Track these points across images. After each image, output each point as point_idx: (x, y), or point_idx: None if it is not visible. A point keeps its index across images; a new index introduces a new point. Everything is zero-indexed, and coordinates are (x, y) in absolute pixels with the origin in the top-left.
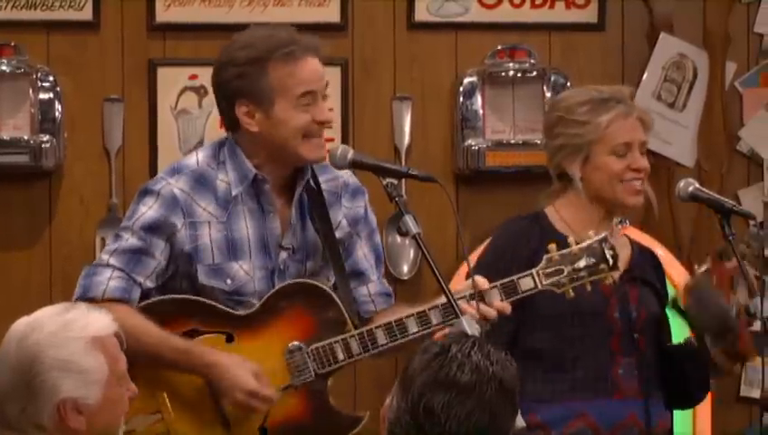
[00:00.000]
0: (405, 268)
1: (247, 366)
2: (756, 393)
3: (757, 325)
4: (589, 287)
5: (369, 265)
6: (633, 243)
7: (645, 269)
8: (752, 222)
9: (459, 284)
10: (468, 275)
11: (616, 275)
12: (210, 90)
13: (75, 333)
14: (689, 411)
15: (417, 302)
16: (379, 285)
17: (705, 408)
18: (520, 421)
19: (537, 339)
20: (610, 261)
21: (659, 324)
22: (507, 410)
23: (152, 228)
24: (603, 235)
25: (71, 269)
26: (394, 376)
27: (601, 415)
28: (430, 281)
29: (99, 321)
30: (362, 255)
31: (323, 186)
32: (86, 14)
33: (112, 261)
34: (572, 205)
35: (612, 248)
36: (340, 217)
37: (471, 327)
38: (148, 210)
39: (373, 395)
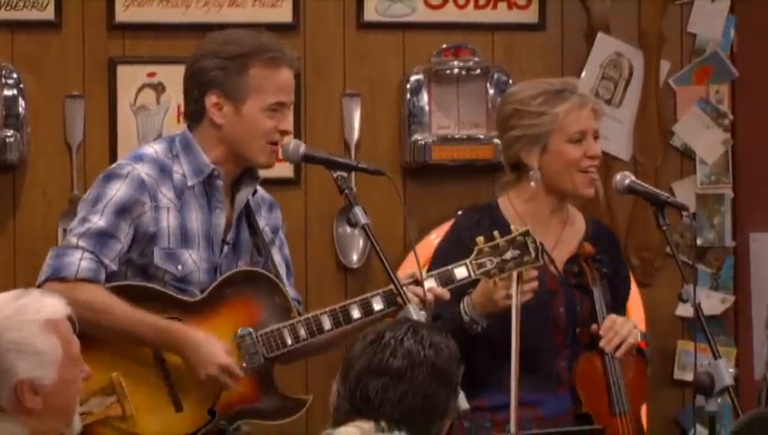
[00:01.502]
0: (354, 257)
1: (219, 343)
2: (689, 377)
3: (690, 311)
4: (514, 276)
5: (282, 272)
6: (588, 221)
7: (599, 251)
8: (685, 213)
9: (409, 268)
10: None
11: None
12: (168, 87)
13: (30, 317)
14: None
15: (367, 290)
16: (292, 292)
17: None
18: (464, 404)
19: (487, 328)
20: (533, 253)
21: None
22: (442, 391)
23: (122, 210)
24: (526, 228)
25: (33, 259)
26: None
27: (544, 406)
28: (379, 270)
29: (52, 305)
30: (277, 262)
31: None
32: (48, 14)
33: (82, 243)
34: (526, 195)
35: (535, 241)
36: (263, 224)
37: (417, 314)
38: (117, 192)
39: (323, 381)
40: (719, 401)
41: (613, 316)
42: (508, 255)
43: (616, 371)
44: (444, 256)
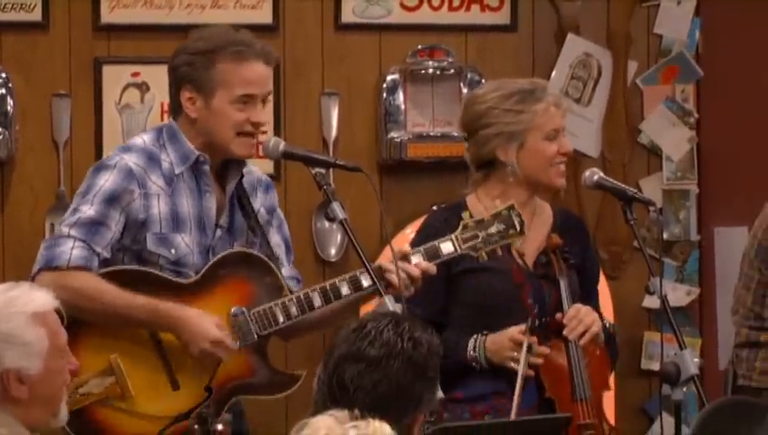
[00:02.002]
0: (332, 251)
1: (210, 318)
2: (656, 366)
3: (656, 302)
4: (499, 252)
5: (281, 252)
6: (556, 211)
7: (569, 243)
8: (651, 208)
9: (384, 257)
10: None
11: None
12: (152, 86)
13: (18, 309)
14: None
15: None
16: (291, 271)
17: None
18: (438, 392)
19: (462, 324)
20: (518, 227)
21: (581, 299)
22: (417, 383)
23: (111, 199)
24: (510, 203)
25: (22, 252)
26: (323, 347)
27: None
28: (356, 263)
29: (40, 298)
30: (275, 243)
31: (244, 178)
32: (36, 15)
33: (73, 232)
34: (496, 191)
35: (519, 215)
36: (258, 206)
37: (393, 305)
38: (106, 182)
39: (305, 365)
40: (685, 389)
41: (578, 306)
42: (493, 229)
43: (579, 358)
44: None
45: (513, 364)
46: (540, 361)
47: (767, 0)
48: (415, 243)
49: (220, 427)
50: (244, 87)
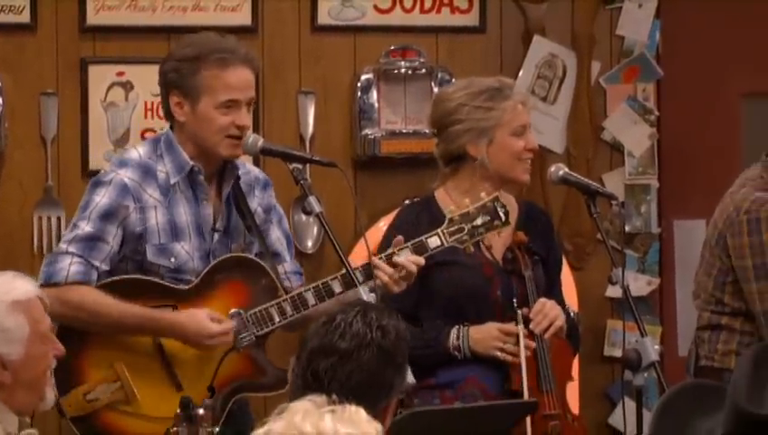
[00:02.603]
0: (309, 244)
1: (201, 315)
2: (618, 353)
3: (619, 292)
4: (482, 245)
5: (282, 247)
6: (521, 204)
7: (534, 235)
8: (614, 202)
9: (359, 253)
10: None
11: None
12: (136, 85)
13: None
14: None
15: (321, 273)
16: (293, 265)
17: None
18: (410, 378)
19: (434, 315)
20: (503, 217)
21: (546, 294)
22: (388, 370)
23: (107, 215)
24: (495, 194)
25: (11, 244)
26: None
27: (488, 380)
28: (332, 255)
29: (21, 287)
30: (276, 238)
31: (241, 179)
32: (24, 17)
33: (71, 249)
34: (463, 185)
35: (504, 206)
36: (255, 205)
37: (367, 296)
38: (102, 199)
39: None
40: (646, 375)
41: (543, 300)
42: (479, 220)
43: (544, 351)
44: (386, 244)
45: (498, 353)
46: (528, 354)
47: (724, 3)
48: (386, 237)
49: (201, 411)
50: (228, 92)
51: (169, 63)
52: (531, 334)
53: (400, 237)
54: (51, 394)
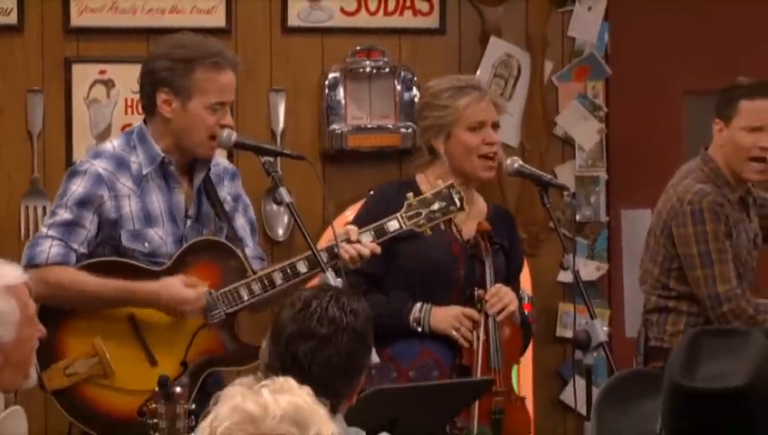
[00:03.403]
0: (280, 232)
1: (174, 282)
2: (569, 334)
3: (570, 277)
4: (443, 226)
5: (246, 234)
6: (491, 206)
7: (500, 230)
8: (566, 193)
9: (327, 241)
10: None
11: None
12: (117, 83)
13: None
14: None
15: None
16: (255, 250)
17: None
18: (375, 358)
19: (399, 285)
20: (458, 203)
21: (504, 280)
22: (361, 350)
23: (82, 203)
24: (450, 182)
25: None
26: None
27: (442, 353)
28: (301, 242)
29: (11, 273)
30: (240, 225)
31: (211, 170)
32: (12, 19)
33: (51, 233)
34: (438, 173)
35: (459, 192)
36: (224, 194)
37: (334, 280)
38: (78, 188)
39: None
40: (595, 355)
41: (499, 285)
42: (435, 206)
43: (495, 332)
44: (367, 215)
45: (454, 333)
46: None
47: (668, 7)
48: (369, 209)
49: (179, 389)
50: (219, 94)
51: (162, 62)
52: (485, 316)
53: (354, 227)
54: (34, 373)
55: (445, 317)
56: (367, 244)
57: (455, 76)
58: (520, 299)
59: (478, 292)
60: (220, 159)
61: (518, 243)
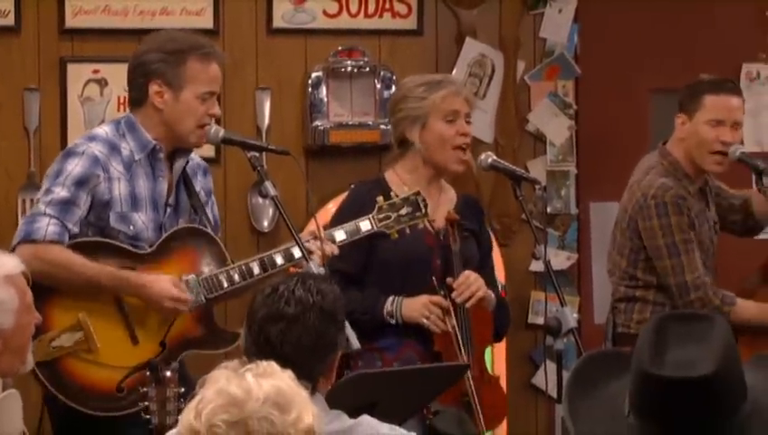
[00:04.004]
0: (265, 223)
1: (166, 279)
2: (541, 321)
3: (541, 266)
4: (408, 230)
5: (210, 229)
6: (459, 195)
7: (468, 217)
8: (537, 186)
9: (307, 234)
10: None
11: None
12: (110, 82)
13: None
14: (488, 352)
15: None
16: None
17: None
18: (356, 344)
19: (379, 278)
20: (423, 210)
21: (477, 266)
22: (331, 328)
23: (80, 182)
24: (416, 190)
25: None
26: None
27: (424, 344)
28: (286, 233)
29: (9, 263)
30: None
31: (188, 163)
32: (9, 20)
33: (49, 210)
34: (409, 167)
35: (424, 200)
36: (198, 187)
37: (317, 269)
38: (76, 167)
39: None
40: (565, 340)
41: (467, 273)
42: (403, 211)
43: (464, 318)
44: (342, 218)
45: (424, 321)
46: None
47: (635, 9)
48: (343, 210)
49: (168, 374)
50: (209, 85)
51: (154, 55)
52: (453, 302)
53: (322, 232)
54: (31, 358)
55: (415, 307)
56: (328, 245)
57: (429, 74)
58: (496, 283)
59: (447, 280)
60: (193, 155)
61: (486, 230)
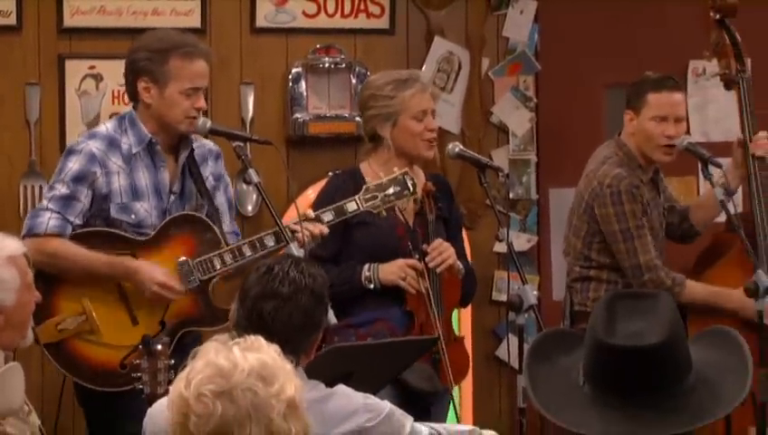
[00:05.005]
0: (249, 208)
1: (158, 268)
2: (504, 298)
3: (504, 248)
4: (397, 210)
5: (224, 210)
6: (428, 175)
7: (439, 191)
8: (501, 174)
9: (291, 216)
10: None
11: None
12: (105, 77)
13: None
14: (455, 314)
15: (259, 232)
16: (231, 226)
17: (466, 309)
18: (333, 319)
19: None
20: (411, 188)
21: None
22: (318, 309)
23: (78, 179)
24: (405, 169)
25: (1, 210)
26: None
27: (396, 320)
28: (268, 217)
29: (11, 245)
30: (220, 202)
31: (196, 151)
32: (11, 20)
33: (50, 206)
34: (382, 159)
35: (412, 178)
36: (207, 173)
37: (297, 251)
38: (74, 165)
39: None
40: (526, 316)
41: (440, 240)
42: (390, 190)
43: (435, 282)
44: (320, 205)
45: (401, 283)
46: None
47: (591, 10)
48: (321, 198)
49: (159, 347)
50: (191, 81)
51: (141, 53)
52: (426, 266)
53: (309, 211)
54: (31, 334)
55: (392, 270)
56: (317, 225)
57: (394, 71)
58: (465, 254)
59: (423, 246)
60: (205, 141)
61: (455, 207)
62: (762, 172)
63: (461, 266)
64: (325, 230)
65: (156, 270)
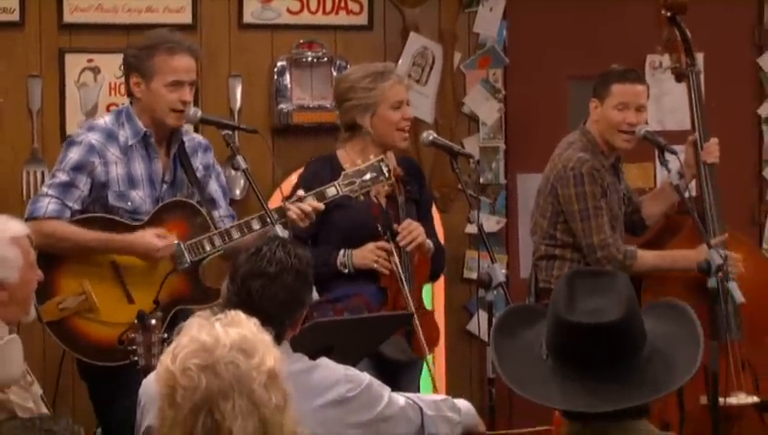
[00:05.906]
0: (237, 192)
1: (149, 234)
2: (474, 276)
3: (475, 229)
4: (373, 193)
5: (218, 196)
6: (399, 158)
7: (410, 174)
8: (471, 160)
9: (276, 200)
10: (284, 197)
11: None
12: (102, 70)
13: None
14: (428, 290)
15: (246, 215)
16: (227, 210)
17: (439, 286)
18: (314, 295)
19: (331, 242)
20: (386, 174)
21: (418, 218)
22: (303, 288)
23: (78, 168)
24: (381, 156)
25: (4, 194)
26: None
27: (371, 295)
28: (254, 201)
29: (15, 227)
30: (213, 189)
31: (186, 143)
32: (14, 16)
33: (50, 192)
34: (358, 147)
35: (387, 165)
36: (197, 164)
37: (282, 232)
38: (74, 155)
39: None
40: (495, 293)
41: (409, 220)
42: (367, 176)
43: (406, 261)
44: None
45: (375, 265)
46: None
47: (556, 8)
48: (300, 183)
49: (153, 321)
50: (174, 75)
51: (131, 51)
52: (397, 245)
53: (301, 191)
54: (33, 310)
55: (364, 254)
56: (311, 202)
57: (369, 64)
58: (435, 233)
59: (394, 226)
60: (195, 135)
61: (426, 189)
62: (712, 175)
63: (430, 245)
64: (320, 206)
65: (149, 239)
